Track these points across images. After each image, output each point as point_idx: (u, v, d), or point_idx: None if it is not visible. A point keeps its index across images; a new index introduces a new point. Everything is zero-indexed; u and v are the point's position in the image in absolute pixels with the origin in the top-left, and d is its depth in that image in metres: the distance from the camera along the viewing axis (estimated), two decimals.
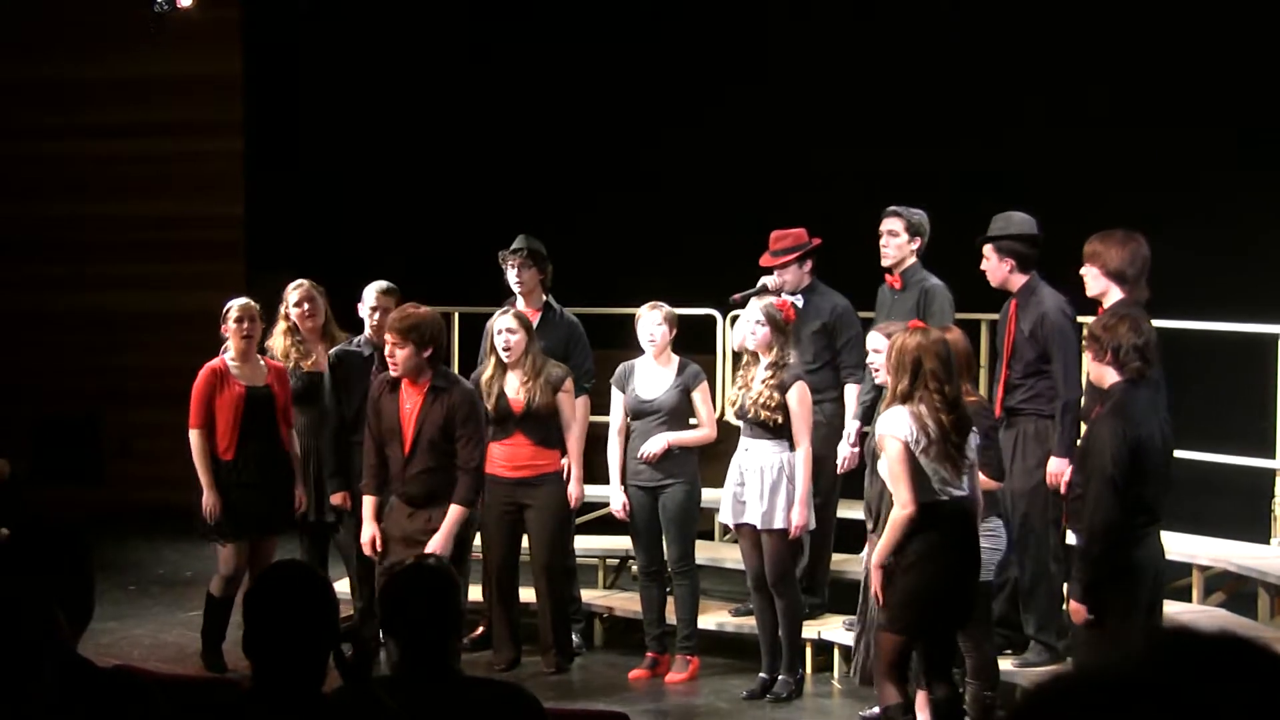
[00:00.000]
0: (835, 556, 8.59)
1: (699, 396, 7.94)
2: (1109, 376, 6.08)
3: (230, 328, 8.01)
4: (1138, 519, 6.01)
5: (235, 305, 8.08)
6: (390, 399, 7.49)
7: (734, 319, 8.63)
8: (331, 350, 8.13)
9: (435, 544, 7.27)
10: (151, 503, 10.95)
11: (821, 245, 8.17)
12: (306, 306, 8.25)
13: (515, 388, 7.96)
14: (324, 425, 8.16)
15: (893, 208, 7.95)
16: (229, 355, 8.02)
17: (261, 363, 8.10)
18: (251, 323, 8.04)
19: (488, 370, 8.01)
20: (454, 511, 7.37)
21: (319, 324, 8.26)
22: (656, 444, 7.88)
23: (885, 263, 7.93)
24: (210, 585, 8.10)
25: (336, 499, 8.07)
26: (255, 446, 7.95)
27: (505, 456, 8.02)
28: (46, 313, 12.57)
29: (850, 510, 8.47)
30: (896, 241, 7.88)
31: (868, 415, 7.87)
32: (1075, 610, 6.08)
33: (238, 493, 7.93)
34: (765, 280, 8.19)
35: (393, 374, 7.44)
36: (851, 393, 8.01)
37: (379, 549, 7.54)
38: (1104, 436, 5.98)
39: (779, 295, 7.94)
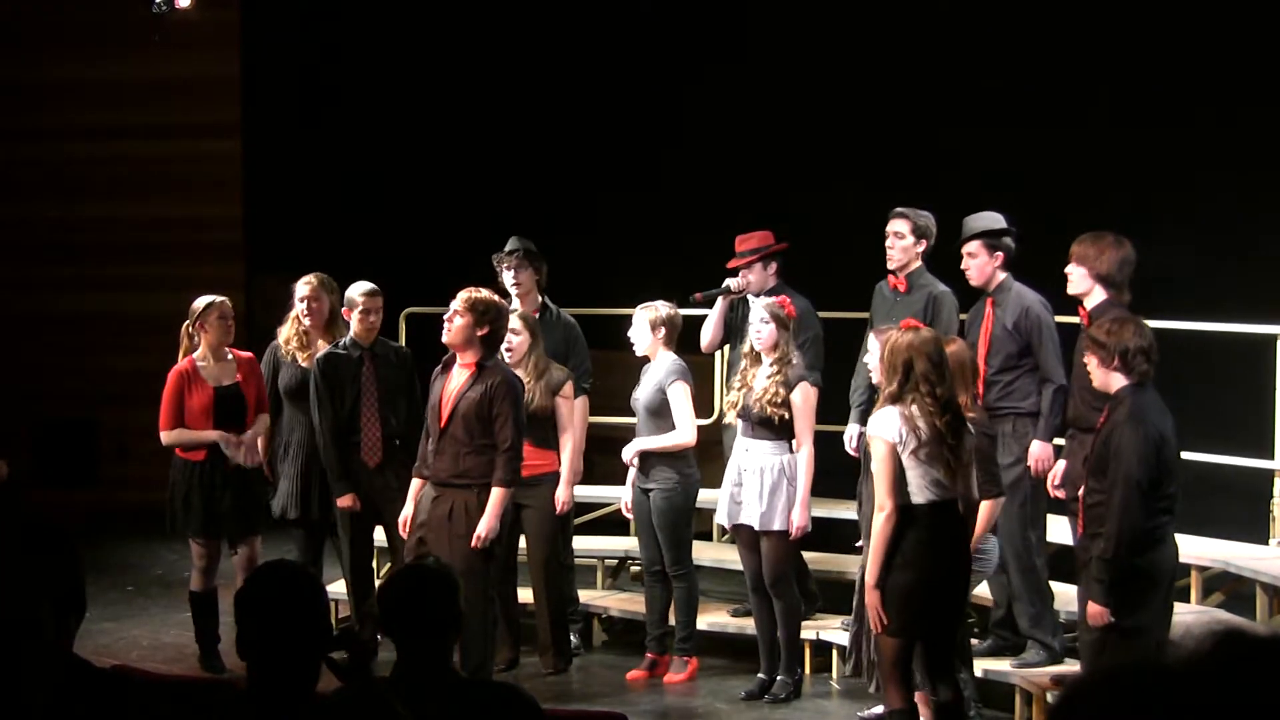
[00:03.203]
0: (832, 556, 8.61)
1: (671, 395, 7.85)
2: (1115, 381, 6.08)
3: (214, 324, 8.05)
4: (1160, 518, 6.04)
5: (216, 302, 8.11)
6: (440, 380, 7.44)
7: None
8: (318, 355, 8.10)
9: (483, 526, 7.13)
10: (149, 504, 10.88)
11: (788, 248, 8.17)
12: (312, 304, 8.25)
13: None
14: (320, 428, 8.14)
15: (899, 209, 7.92)
16: (198, 353, 8.07)
17: (230, 357, 8.14)
18: (233, 319, 8.17)
19: None
20: (496, 494, 7.20)
21: (321, 321, 8.25)
22: (628, 451, 7.92)
23: (890, 265, 7.92)
24: (190, 582, 8.18)
25: (345, 502, 8.01)
26: None
27: None
28: (45, 315, 12.56)
29: (843, 510, 8.48)
30: (902, 244, 7.86)
31: (864, 417, 7.89)
32: (1097, 614, 6.07)
33: (208, 493, 7.97)
34: (729, 281, 8.20)
35: (444, 340, 7.37)
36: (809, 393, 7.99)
37: (408, 529, 7.44)
38: (1128, 442, 5.97)
39: (743, 296, 7.98)
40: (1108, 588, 6.03)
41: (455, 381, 7.35)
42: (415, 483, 7.51)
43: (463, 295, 7.34)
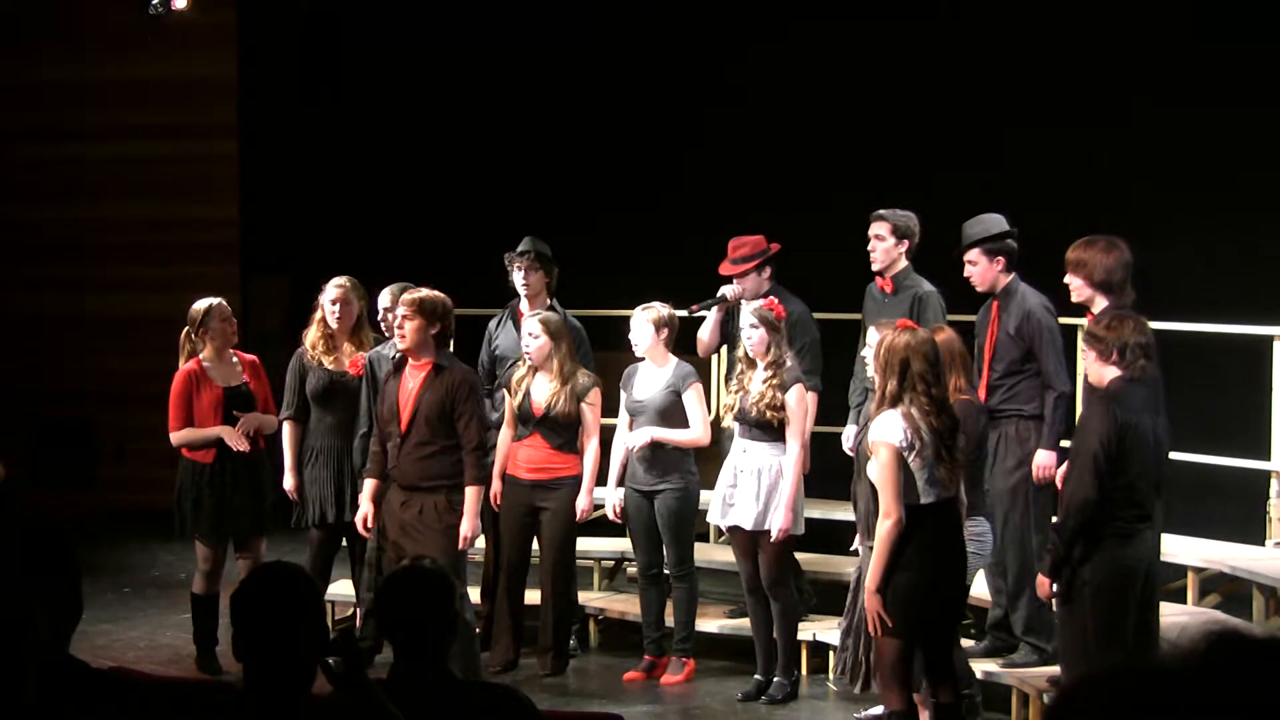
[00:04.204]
0: (829, 558, 8.61)
1: (689, 398, 7.89)
2: (1109, 375, 6.11)
3: (216, 327, 8.02)
4: (1128, 513, 6.03)
5: (215, 306, 8.09)
6: (393, 383, 7.50)
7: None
8: (367, 354, 8.08)
9: (465, 526, 7.29)
10: (147, 505, 10.95)
11: (780, 251, 8.18)
12: (339, 308, 8.20)
13: (541, 390, 7.96)
14: (351, 426, 8.11)
15: (879, 211, 7.97)
16: (204, 355, 8.04)
17: (235, 358, 8.12)
18: (233, 320, 8.13)
19: (520, 370, 8.02)
20: (471, 493, 7.34)
21: (348, 325, 8.21)
22: (640, 436, 7.88)
23: (874, 266, 7.95)
24: (192, 584, 8.14)
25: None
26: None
27: (524, 458, 8.03)
28: (42, 315, 12.56)
29: (839, 511, 8.47)
30: (883, 245, 7.90)
31: (861, 417, 7.90)
32: (1040, 584, 6.21)
33: (220, 494, 7.95)
34: (725, 290, 8.18)
35: (399, 346, 7.45)
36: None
37: (370, 525, 7.55)
38: (1094, 418, 6.05)
39: (738, 303, 7.98)
40: (1055, 559, 6.09)
41: (411, 383, 7.42)
42: (369, 484, 7.58)
43: (408, 298, 7.44)
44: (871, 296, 8.02)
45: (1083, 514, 6.00)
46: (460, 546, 7.25)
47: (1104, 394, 6.12)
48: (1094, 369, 6.21)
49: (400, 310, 7.43)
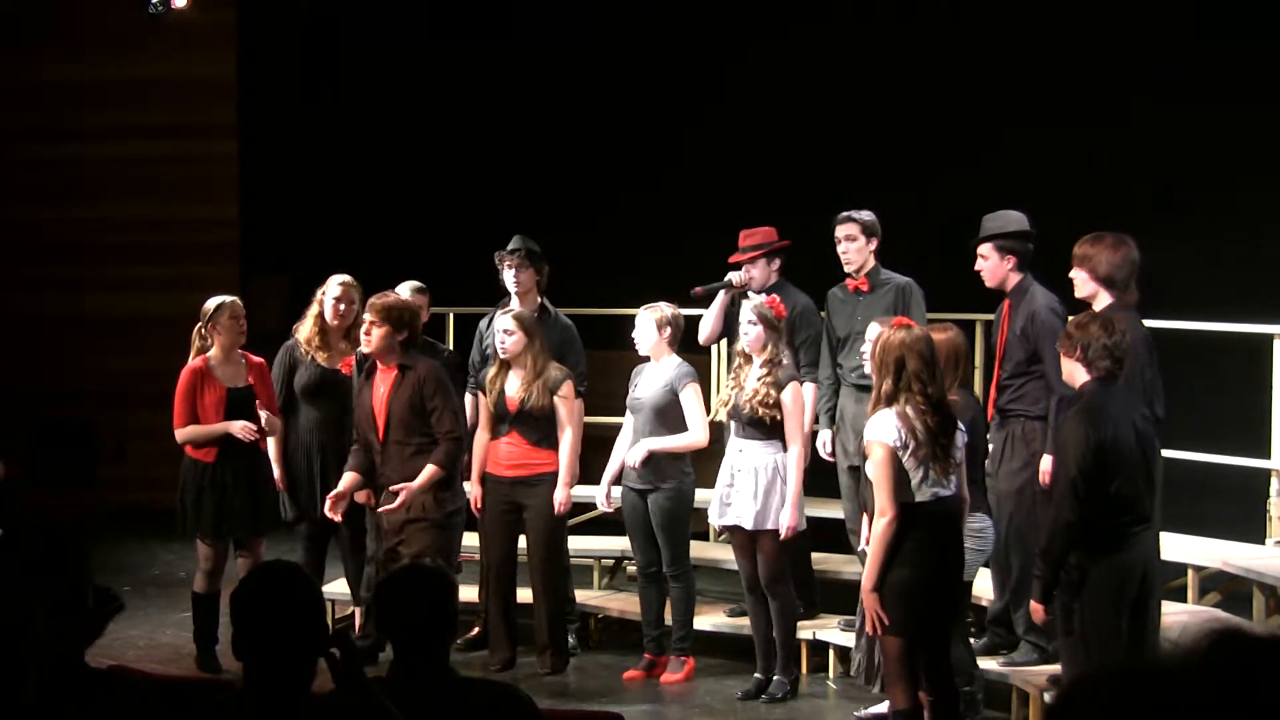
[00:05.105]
0: (828, 556, 8.61)
1: (685, 398, 7.88)
2: (1079, 375, 6.11)
3: (226, 324, 8.00)
4: (1122, 518, 6.02)
5: (228, 303, 8.07)
6: (366, 389, 7.63)
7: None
8: (359, 349, 8.08)
9: (402, 494, 7.44)
10: (146, 505, 10.96)
11: (790, 246, 8.20)
12: (342, 306, 8.18)
13: (514, 387, 7.97)
14: (340, 422, 8.10)
15: (844, 214, 8.04)
16: (211, 354, 8.03)
17: (242, 359, 8.11)
18: (244, 320, 8.09)
19: (493, 369, 8.04)
20: (428, 470, 7.49)
21: (347, 323, 8.20)
22: (638, 451, 7.87)
23: (849, 268, 8.02)
24: (194, 583, 8.13)
25: (360, 497, 7.99)
26: (238, 448, 7.94)
27: (503, 455, 8.05)
28: (42, 315, 12.56)
29: (836, 510, 8.46)
30: (855, 245, 7.98)
31: (830, 420, 8.02)
32: (1034, 610, 6.21)
33: (220, 494, 7.94)
34: (731, 275, 8.22)
35: (364, 350, 7.60)
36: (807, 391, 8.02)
37: (333, 509, 7.67)
38: (1070, 438, 6.01)
39: (744, 291, 7.99)
40: (1044, 584, 6.07)
41: (381, 388, 7.58)
42: (348, 475, 7.72)
43: (375, 304, 7.57)
44: (838, 298, 8.10)
45: (1066, 538, 5.98)
46: (382, 510, 7.49)
47: (1078, 409, 6.09)
48: (1065, 366, 6.23)
49: (366, 316, 7.54)
